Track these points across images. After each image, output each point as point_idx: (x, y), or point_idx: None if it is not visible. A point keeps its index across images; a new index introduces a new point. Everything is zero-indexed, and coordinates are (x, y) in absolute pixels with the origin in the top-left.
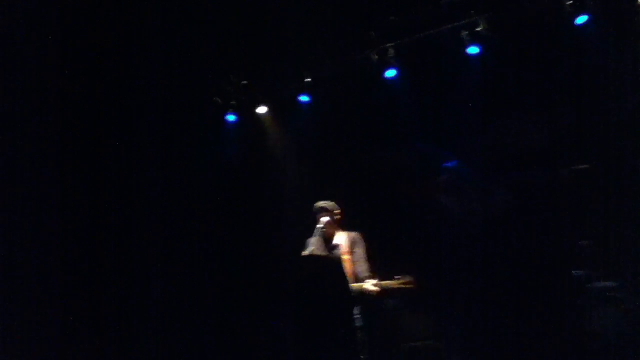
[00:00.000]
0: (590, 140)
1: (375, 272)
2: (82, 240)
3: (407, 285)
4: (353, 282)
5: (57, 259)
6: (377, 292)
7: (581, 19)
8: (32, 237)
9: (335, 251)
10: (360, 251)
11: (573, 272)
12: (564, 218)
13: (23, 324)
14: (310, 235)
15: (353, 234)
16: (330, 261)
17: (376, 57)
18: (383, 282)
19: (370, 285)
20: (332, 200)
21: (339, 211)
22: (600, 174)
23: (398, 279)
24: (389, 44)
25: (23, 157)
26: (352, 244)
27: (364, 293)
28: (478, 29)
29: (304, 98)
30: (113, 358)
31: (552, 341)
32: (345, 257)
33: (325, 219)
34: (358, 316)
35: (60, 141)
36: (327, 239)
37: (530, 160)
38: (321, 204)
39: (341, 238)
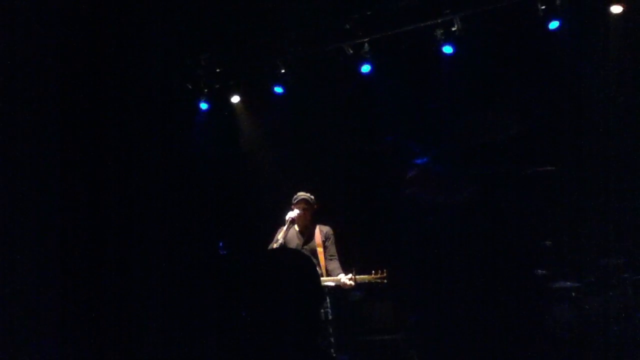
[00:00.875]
0: (557, 139)
1: (352, 266)
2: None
3: (382, 280)
4: (324, 275)
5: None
6: (352, 287)
7: (553, 25)
8: (32, 237)
9: (310, 243)
10: (332, 248)
11: (537, 271)
12: (528, 217)
13: (23, 324)
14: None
15: (326, 228)
16: (303, 256)
17: (351, 51)
18: (358, 277)
19: (346, 279)
20: (303, 191)
21: (316, 205)
22: (566, 176)
23: (374, 273)
24: (364, 39)
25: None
26: (325, 238)
27: (339, 287)
28: (453, 28)
29: (277, 89)
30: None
31: (510, 336)
32: (319, 249)
33: (296, 211)
34: (329, 309)
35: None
36: (302, 230)
37: (499, 156)
38: (302, 195)
39: (315, 230)
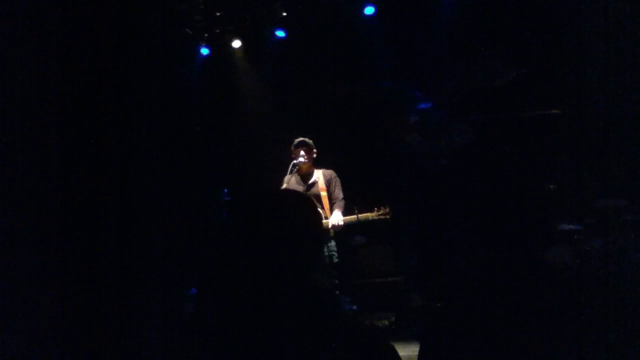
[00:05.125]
0: (558, 82)
1: (353, 209)
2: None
3: (385, 216)
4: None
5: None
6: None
7: None
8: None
9: (313, 188)
10: (337, 191)
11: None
12: (530, 160)
13: (23, 324)
14: (285, 172)
15: (329, 171)
16: (303, 196)
17: None
18: (361, 215)
19: (334, 219)
20: (306, 137)
21: (315, 149)
22: (568, 119)
23: (377, 210)
24: None
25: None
26: (329, 182)
27: (342, 230)
28: None
29: (279, 33)
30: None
31: (510, 279)
32: (323, 194)
33: (300, 159)
34: (334, 253)
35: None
36: (304, 175)
37: (501, 100)
38: (301, 138)
39: (317, 175)
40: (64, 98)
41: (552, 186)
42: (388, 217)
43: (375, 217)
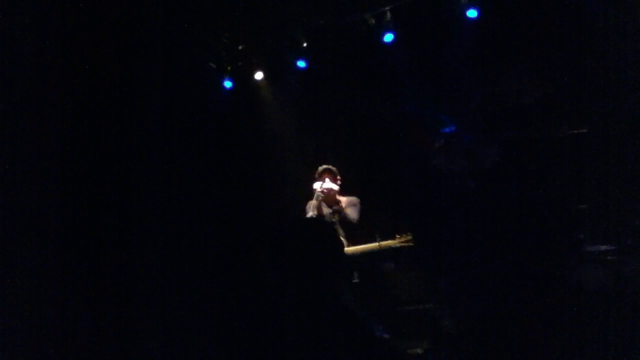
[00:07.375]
0: (587, 101)
1: (377, 233)
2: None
3: (408, 244)
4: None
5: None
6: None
7: None
8: (32, 235)
9: (337, 215)
10: (355, 211)
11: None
12: (561, 180)
13: (22, 324)
14: (310, 198)
15: (353, 198)
16: (321, 222)
17: (373, 21)
18: (383, 242)
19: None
20: (330, 165)
21: (339, 177)
22: (598, 138)
23: (399, 237)
24: (387, 7)
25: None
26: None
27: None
28: None
29: (300, 63)
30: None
31: (545, 301)
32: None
33: (327, 185)
34: (357, 281)
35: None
36: (328, 203)
37: (527, 120)
38: (326, 165)
39: (341, 202)
40: (98, 123)
41: (582, 206)
42: (411, 244)
43: (398, 245)
